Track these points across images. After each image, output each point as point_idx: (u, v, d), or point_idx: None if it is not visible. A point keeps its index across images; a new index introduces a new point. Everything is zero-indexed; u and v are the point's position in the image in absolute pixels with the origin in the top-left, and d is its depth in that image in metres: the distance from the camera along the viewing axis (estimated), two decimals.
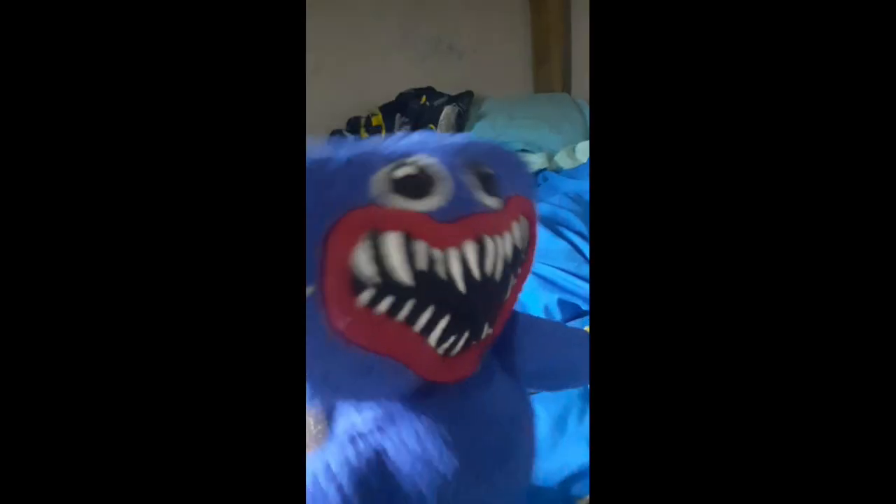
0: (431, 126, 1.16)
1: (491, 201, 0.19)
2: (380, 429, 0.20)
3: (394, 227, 0.16)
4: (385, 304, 0.17)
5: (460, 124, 1.18)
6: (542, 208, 0.84)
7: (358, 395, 0.19)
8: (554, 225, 0.78)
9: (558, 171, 1.04)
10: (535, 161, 1.05)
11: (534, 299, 0.61)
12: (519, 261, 0.21)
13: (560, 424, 0.46)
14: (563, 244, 0.72)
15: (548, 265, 0.66)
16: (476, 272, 0.18)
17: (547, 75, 1.42)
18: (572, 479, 0.41)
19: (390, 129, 1.21)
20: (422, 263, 0.17)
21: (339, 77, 1.27)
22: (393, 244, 0.16)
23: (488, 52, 1.42)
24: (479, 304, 0.19)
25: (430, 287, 0.17)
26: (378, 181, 0.17)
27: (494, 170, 0.20)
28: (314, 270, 0.16)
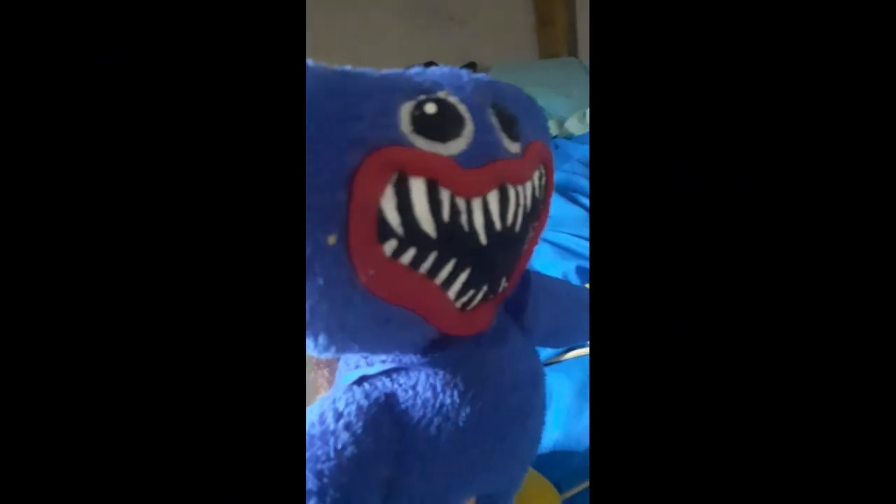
0: None
1: (513, 146, 0.18)
2: (389, 374, 0.19)
3: (421, 173, 0.15)
4: (409, 256, 0.16)
5: None
6: (555, 176, 0.82)
7: (374, 345, 0.18)
8: (568, 192, 0.75)
9: (569, 137, 1.01)
10: None
11: (552, 267, 0.60)
12: (537, 212, 0.20)
13: (584, 391, 0.45)
14: (577, 210, 0.70)
15: (563, 233, 0.65)
16: (498, 223, 0.17)
17: (551, 39, 1.37)
18: None
19: None
20: (446, 214, 0.16)
21: (339, 52, 1.24)
22: (419, 192, 0.15)
23: (489, 18, 1.37)
24: (498, 257, 0.18)
25: (452, 239, 0.16)
26: (404, 116, 0.16)
27: (515, 112, 0.19)
28: (336, 214, 0.14)
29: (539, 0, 1.36)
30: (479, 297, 0.18)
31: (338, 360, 0.22)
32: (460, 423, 0.19)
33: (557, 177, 0.81)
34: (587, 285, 0.56)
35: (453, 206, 0.16)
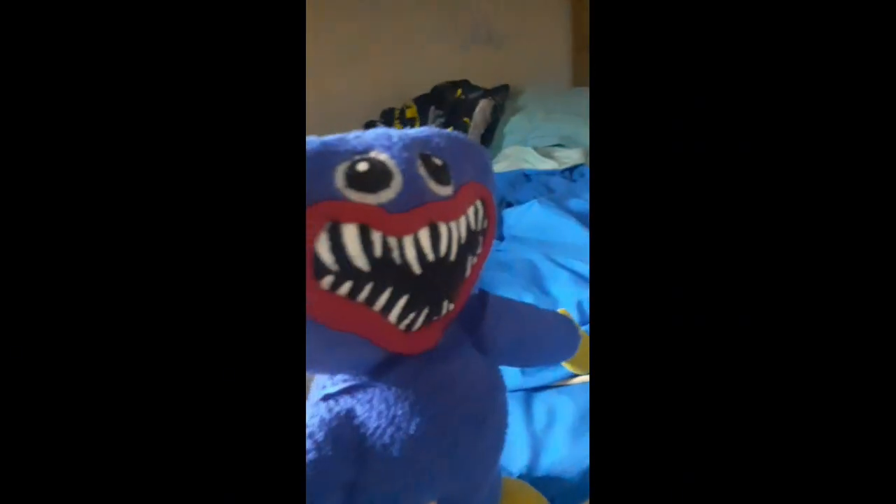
0: (466, 119, 1.16)
1: (443, 190, 0.21)
2: (349, 391, 0.22)
3: (351, 220, 0.18)
4: (345, 288, 0.18)
5: (495, 118, 1.18)
6: (577, 204, 0.83)
7: (329, 367, 0.22)
8: (589, 220, 0.77)
9: None
10: (572, 156, 1.04)
11: (567, 295, 0.61)
12: (476, 242, 0.23)
13: (587, 415, 0.46)
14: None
15: (582, 261, 0.66)
16: (430, 255, 0.20)
17: (586, 66, 1.39)
18: None
19: (424, 122, 1.22)
20: (378, 251, 0.18)
21: (378, 66, 1.28)
22: (351, 235, 0.18)
23: (527, 41, 1.40)
24: (436, 283, 0.21)
25: (386, 271, 0.19)
26: (339, 176, 0.19)
27: (446, 160, 0.22)
28: None
29: (577, 28, 1.38)
30: (422, 318, 0.21)
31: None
32: (411, 431, 0.21)
33: (579, 206, 0.82)
34: (560, 310, 0.56)
35: (385, 245, 0.18)
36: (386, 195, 0.19)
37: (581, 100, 1.23)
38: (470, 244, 0.22)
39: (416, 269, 0.19)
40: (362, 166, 0.19)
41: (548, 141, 1.13)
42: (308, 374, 0.22)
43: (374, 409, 0.21)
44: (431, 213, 0.20)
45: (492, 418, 0.25)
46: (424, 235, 0.20)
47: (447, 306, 0.22)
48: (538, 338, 0.30)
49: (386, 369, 0.21)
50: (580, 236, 0.72)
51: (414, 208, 0.20)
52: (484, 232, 0.24)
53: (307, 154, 0.18)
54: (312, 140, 0.20)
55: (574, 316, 0.58)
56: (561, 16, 1.39)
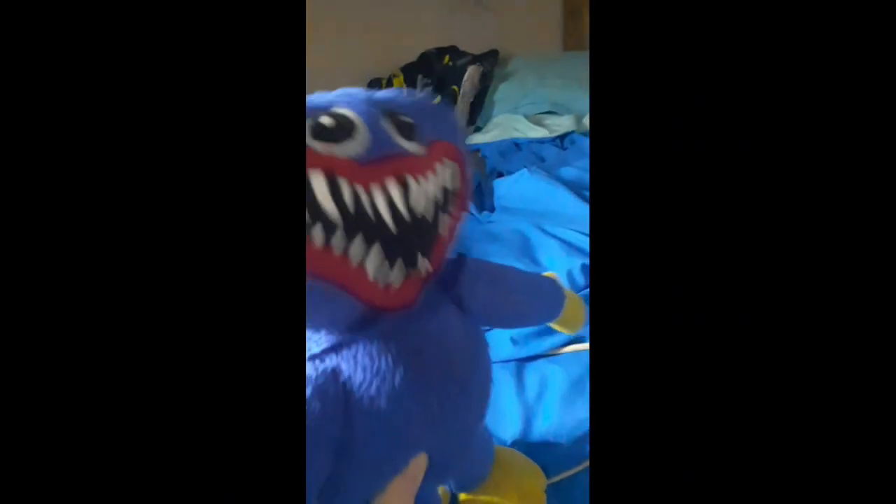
0: (454, 87, 1.13)
1: (411, 146, 0.21)
2: (334, 349, 0.22)
3: (318, 167, 0.18)
4: (317, 234, 0.18)
5: (485, 85, 1.15)
6: (568, 172, 0.82)
7: (312, 321, 0.21)
8: (580, 190, 0.76)
9: (586, 133, 1.00)
10: (563, 123, 1.02)
11: (557, 263, 0.60)
12: (449, 201, 0.23)
13: (579, 384, 0.46)
14: (588, 209, 0.70)
15: (573, 230, 0.65)
16: (402, 208, 0.20)
17: (577, 32, 1.35)
18: (587, 437, 0.42)
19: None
20: (347, 198, 0.18)
21: (366, 35, 1.24)
22: (318, 182, 0.18)
23: (517, 6, 1.35)
24: (409, 236, 0.21)
25: (358, 220, 0.19)
26: (306, 129, 0.18)
27: (414, 119, 0.21)
28: None
29: None
30: (397, 272, 0.21)
31: None
32: (396, 384, 0.22)
33: (571, 174, 0.81)
34: (547, 273, 0.56)
35: (354, 193, 0.18)
36: (352, 147, 0.19)
37: (573, 65, 1.20)
38: (444, 203, 0.22)
39: (388, 220, 0.19)
40: (326, 119, 0.19)
41: (539, 108, 1.10)
42: None
43: (358, 365, 0.22)
44: (400, 166, 0.20)
45: (474, 376, 0.26)
46: (394, 187, 0.19)
47: (423, 263, 0.22)
48: (518, 298, 0.30)
49: (367, 324, 0.22)
50: (571, 205, 0.71)
51: (382, 160, 0.19)
52: (457, 191, 0.23)
53: None
54: None
55: (565, 285, 0.59)
56: None
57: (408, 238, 0.20)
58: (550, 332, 0.43)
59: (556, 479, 0.39)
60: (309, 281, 0.18)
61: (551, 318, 0.33)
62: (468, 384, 0.25)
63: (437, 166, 0.22)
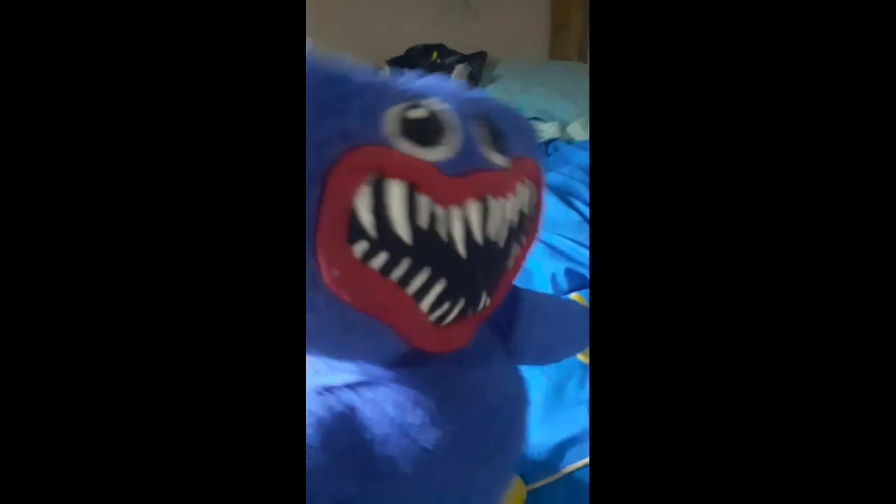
0: None
1: (499, 159, 0.18)
2: (352, 387, 0.18)
3: (400, 175, 0.15)
4: (380, 260, 0.15)
5: (472, 84, 1.14)
6: (553, 178, 0.82)
7: (338, 352, 0.18)
8: (565, 195, 0.76)
9: (570, 141, 1.01)
10: (548, 130, 1.02)
11: (541, 268, 0.60)
12: (523, 228, 0.20)
13: (559, 391, 0.45)
14: (572, 214, 0.70)
15: (557, 234, 0.65)
16: (478, 235, 0.17)
17: (564, 42, 1.37)
18: (566, 444, 0.42)
19: None
20: (423, 220, 0.15)
21: (350, 29, 1.21)
22: (397, 194, 0.15)
23: (505, 13, 1.35)
24: (478, 271, 0.18)
25: (428, 247, 0.16)
26: (391, 118, 0.15)
27: (504, 128, 0.19)
28: (307, 209, 0.14)
29: (557, 2, 1.35)
30: (456, 311, 0.17)
31: None
32: (428, 446, 0.18)
33: (555, 179, 0.81)
34: (573, 295, 0.56)
35: (432, 214, 0.15)
36: (441, 152, 0.16)
37: (557, 74, 1.21)
38: (518, 229, 0.19)
39: (461, 250, 0.16)
40: (419, 112, 0.16)
41: (523, 114, 1.11)
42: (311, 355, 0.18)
43: (381, 413, 0.18)
44: (484, 184, 0.17)
45: (511, 440, 0.22)
46: (474, 210, 0.16)
47: (485, 301, 0.19)
48: (564, 335, 0.27)
49: (405, 367, 0.18)
50: (554, 209, 0.71)
51: (468, 173, 0.16)
52: (532, 217, 0.20)
53: (353, 84, 0.15)
54: (361, 70, 0.16)
55: (548, 288, 0.58)
56: None
57: (476, 270, 0.17)
58: None
59: (535, 486, 0.38)
60: (356, 312, 0.15)
61: (582, 349, 0.30)
62: (507, 439, 0.21)
63: (518, 186, 0.19)
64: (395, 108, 0.16)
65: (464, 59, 1.17)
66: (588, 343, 0.29)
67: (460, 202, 0.16)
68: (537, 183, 0.20)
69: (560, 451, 0.41)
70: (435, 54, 1.16)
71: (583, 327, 0.28)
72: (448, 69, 1.11)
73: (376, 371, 0.18)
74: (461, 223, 0.16)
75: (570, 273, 0.58)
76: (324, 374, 0.19)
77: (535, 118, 1.10)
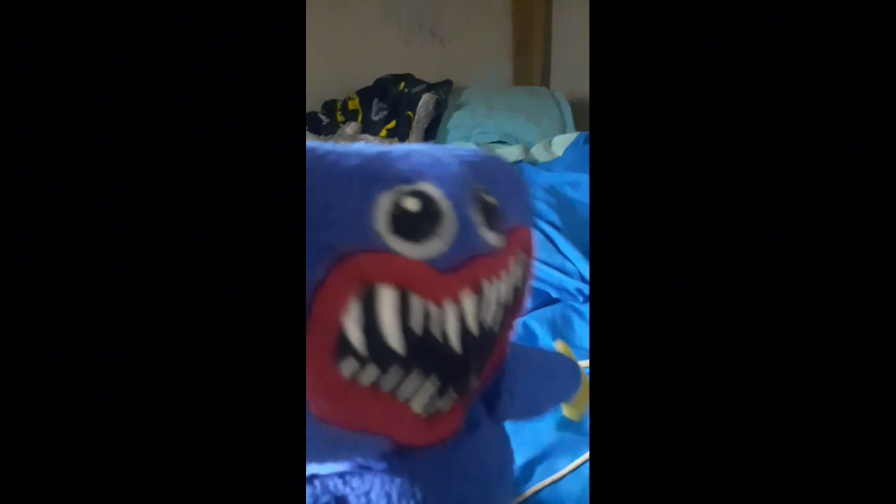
0: (409, 114, 1.15)
1: (493, 238, 0.17)
2: (341, 476, 0.17)
3: (391, 281, 0.14)
4: (370, 377, 0.14)
5: (439, 112, 1.18)
6: None
7: (327, 461, 0.17)
8: None
9: (534, 163, 1.05)
10: (513, 153, 1.06)
11: None
12: (517, 302, 0.19)
13: None
14: (536, 235, 0.73)
15: None
16: (474, 327, 0.16)
17: (526, 67, 1.43)
18: (534, 462, 0.42)
19: (367, 115, 1.19)
20: (417, 325, 0.14)
21: (318, 57, 1.24)
22: (388, 304, 0.14)
23: (470, 39, 1.41)
24: (471, 362, 0.17)
25: (422, 352, 0.15)
26: (381, 211, 0.14)
27: (498, 197, 0.18)
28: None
29: (517, 28, 1.41)
30: (448, 402, 0.17)
31: None
32: None
33: None
34: (558, 345, 0.56)
35: (426, 315, 0.14)
36: (434, 247, 0.15)
37: (521, 98, 1.26)
38: (512, 306, 0.18)
39: (457, 346, 0.15)
40: (412, 204, 0.14)
41: (489, 137, 1.15)
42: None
43: (367, 501, 0.17)
44: (479, 271, 0.16)
45: (505, 494, 0.22)
46: (469, 301, 0.15)
47: (474, 382, 0.18)
48: (549, 390, 0.26)
49: (393, 460, 0.17)
50: None
51: (464, 264, 0.15)
52: (524, 288, 0.19)
53: (339, 181, 0.14)
54: (346, 149, 0.15)
55: None
56: (502, 18, 1.42)
57: (470, 361, 0.17)
58: None
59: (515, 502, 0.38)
60: (337, 427, 0.14)
61: (567, 399, 0.29)
62: (497, 499, 0.21)
63: (511, 263, 0.18)
64: (385, 199, 0.14)
65: (430, 87, 1.20)
66: (573, 395, 0.29)
67: (455, 297, 0.15)
68: (529, 251, 0.19)
69: (527, 470, 0.42)
70: (402, 84, 1.20)
71: (571, 381, 0.28)
72: (415, 98, 1.15)
73: (364, 461, 0.18)
74: (455, 318, 0.15)
75: (535, 291, 0.60)
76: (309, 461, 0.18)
77: (501, 142, 1.14)
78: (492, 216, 0.17)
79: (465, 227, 0.16)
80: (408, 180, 0.15)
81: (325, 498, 0.17)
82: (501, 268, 0.17)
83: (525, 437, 0.44)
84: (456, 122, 1.19)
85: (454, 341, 0.16)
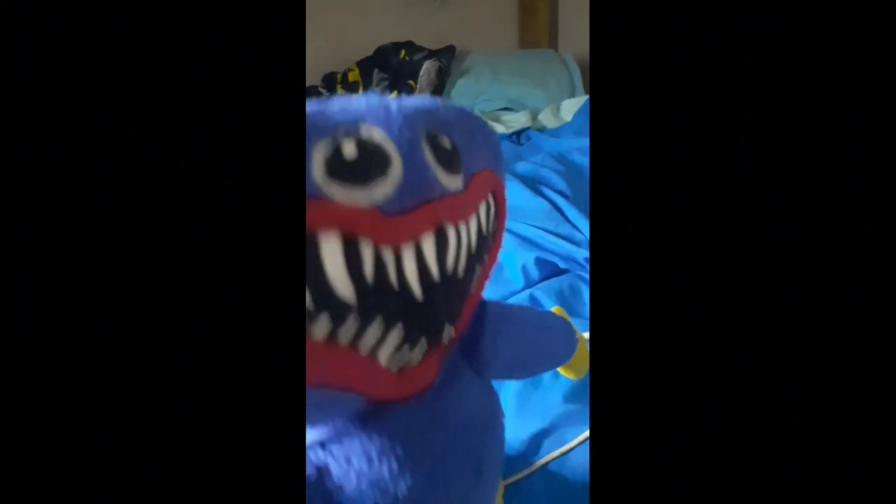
0: (411, 82, 1.11)
1: (452, 181, 0.16)
2: (322, 445, 0.17)
3: (330, 227, 0.13)
4: (321, 328, 0.14)
5: (441, 80, 1.14)
6: (524, 167, 0.82)
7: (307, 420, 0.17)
8: (535, 184, 0.76)
9: (542, 129, 1.01)
10: (519, 119, 1.02)
11: (511, 258, 0.60)
12: (486, 248, 0.18)
13: (533, 381, 0.46)
14: (543, 203, 0.71)
15: (527, 224, 0.65)
16: (435, 271, 0.15)
17: (532, 28, 1.37)
18: (541, 435, 0.42)
19: (368, 86, 1.16)
20: (369, 272, 0.14)
21: (317, 27, 1.20)
22: (331, 252, 0.13)
23: (473, 2, 1.35)
24: (438, 307, 0.16)
25: (379, 298, 0.14)
26: (316, 162, 0.14)
27: (455, 141, 0.17)
28: None
29: None
30: (418, 352, 0.16)
31: None
32: (400, 495, 0.17)
33: (525, 168, 0.81)
34: (554, 308, 0.55)
35: (378, 261, 0.14)
36: (381, 190, 0.14)
37: (528, 61, 1.21)
38: (479, 252, 0.18)
39: (417, 291, 0.15)
40: (350, 149, 0.14)
41: (495, 105, 1.11)
42: None
43: (353, 469, 0.17)
44: (439, 213, 0.15)
45: (491, 452, 0.21)
46: (429, 244, 0.15)
47: (448, 332, 0.17)
48: (538, 348, 0.26)
49: (369, 418, 0.17)
50: (525, 199, 0.71)
51: (418, 207, 0.15)
52: (494, 235, 0.19)
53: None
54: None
55: (518, 278, 0.59)
56: None
57: (435, 307, 0.16)
58: None
59: (512, 480, 0.39)
60: (308, 388, 0.14)
61: (563, 362, 0.28)
62: (485, 465, 0.20)
63: (477, 206, 0.17)
64: (321, 147, 0.14)
65: (432, 54, 1.16)
66: (570, 357, 0.28)
67: (412, 238, 0.15)
68: (498, 194, 0.19)
69: (535, 442, 0.42)
70: (403, 52, 1.16)
71: (563, 340, 0.27)
72: (417, 66, 1.11)
73: (341, 425, 0.17)
74: (414, 262, 0.15)
75: (540, 262, 0.59)
76: None
77: (507, 108, 1.10)
78: (448, 159, 0.17)
79: (416, 168, 0.15)
80: (346, 128, 0.15)
81: (308, 469, 0.17)
82: (465, 211, 0.17)
83: (533, 409, 0.44)
84: (460, 89, 1.15)
85: (414, 285, 0.15)
